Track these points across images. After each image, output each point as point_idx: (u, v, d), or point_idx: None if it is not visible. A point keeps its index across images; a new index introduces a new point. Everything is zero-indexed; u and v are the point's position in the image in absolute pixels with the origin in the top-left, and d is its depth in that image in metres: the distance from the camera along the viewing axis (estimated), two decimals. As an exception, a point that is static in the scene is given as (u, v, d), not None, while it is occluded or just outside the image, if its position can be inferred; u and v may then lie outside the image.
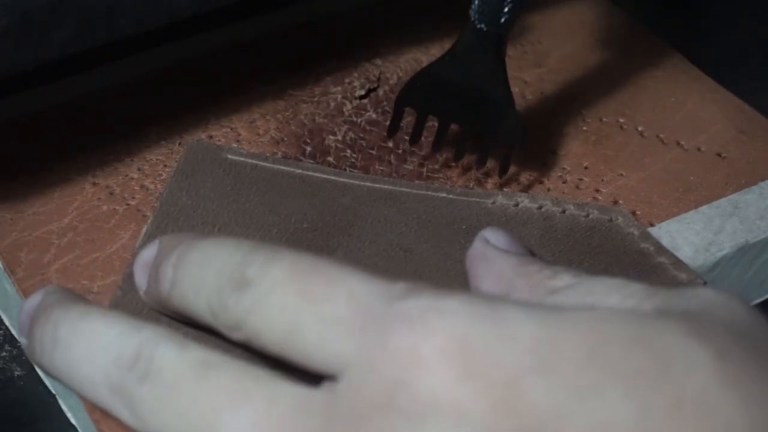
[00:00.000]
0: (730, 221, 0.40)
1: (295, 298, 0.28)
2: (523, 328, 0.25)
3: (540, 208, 0.40)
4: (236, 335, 0.29)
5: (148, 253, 0.33)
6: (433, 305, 0.26)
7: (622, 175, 0.42)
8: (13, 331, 0.40)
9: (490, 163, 0.41)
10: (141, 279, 0.34)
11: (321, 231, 0.38)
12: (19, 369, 0.39)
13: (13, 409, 0.38)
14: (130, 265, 0.36)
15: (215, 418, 0.27)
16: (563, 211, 0.39)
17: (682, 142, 0.44)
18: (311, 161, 0.42)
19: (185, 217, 0.38)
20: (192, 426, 0.27)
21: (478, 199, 0.40)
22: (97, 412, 0.33)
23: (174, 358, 0.28)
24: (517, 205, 0.40)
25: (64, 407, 0.37)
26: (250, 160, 0.41)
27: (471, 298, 0.26)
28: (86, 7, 0.33)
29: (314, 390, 0.27)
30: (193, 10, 0.36)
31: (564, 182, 0.42)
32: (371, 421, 0.26)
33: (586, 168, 0.42)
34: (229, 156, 0.41)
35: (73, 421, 0.37)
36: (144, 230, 0.38)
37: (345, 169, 0.41)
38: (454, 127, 0.40)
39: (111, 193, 0.40)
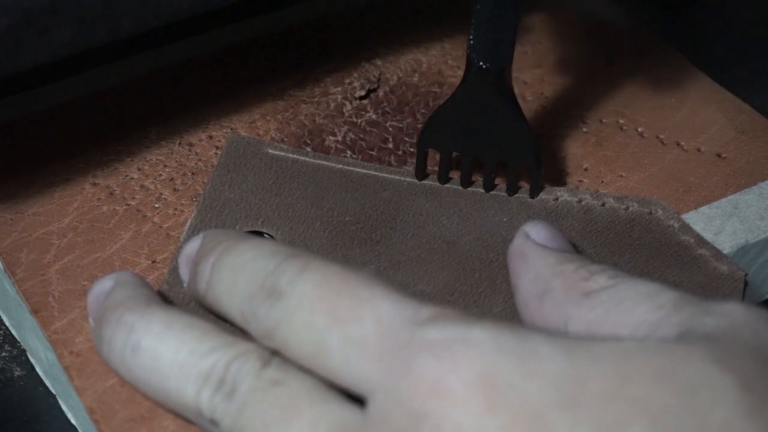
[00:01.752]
0: (730, 221, 0.40)
1: (323, 317, 0.28)
2: (548, 362, 0.26)
3: (580, 201, 0.40)
4: (267, 343, 0.30)
5: (191, 247, 0.34)
6: (460, 335, 0.26)
7: (622, 176, 0.42)
8: (13, 332, 0.40)
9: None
10: (184, 272, 0.34)
11: (364, 224, 0.39)
12: (19, 369, 0.39)
13: (13, 409, 0.38)
14: (176, 258, 0.36)
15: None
16: (603, 204, 0.40)
17: (682, 143, 0.44)
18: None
19: (229, 211, 0.39)
20: None
21: (518, 195, 0.40)
22: (98, 412, 0.33)
23: (254, 376, 0.29)
24: (557, 199, 0.40)
25: (64, 407, 0.37)
26: (290, 155, 0.41)
27: (497, 328, 0.26)
28: (86, 7, 0.33)
29: (354, 413, 0.28)
30: (193, 10, 0.36)
31: (564, 184, 0.42)
32: None
33: (585, 169, 0.42)
34: (270, 150, 0.41)
35: (73, 421, 0.37)
36: (188, 223, 0.38)
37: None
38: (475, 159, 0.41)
39: (111, 194, 0.40)
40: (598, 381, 0.25)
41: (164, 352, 0.31)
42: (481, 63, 0.38)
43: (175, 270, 0.36)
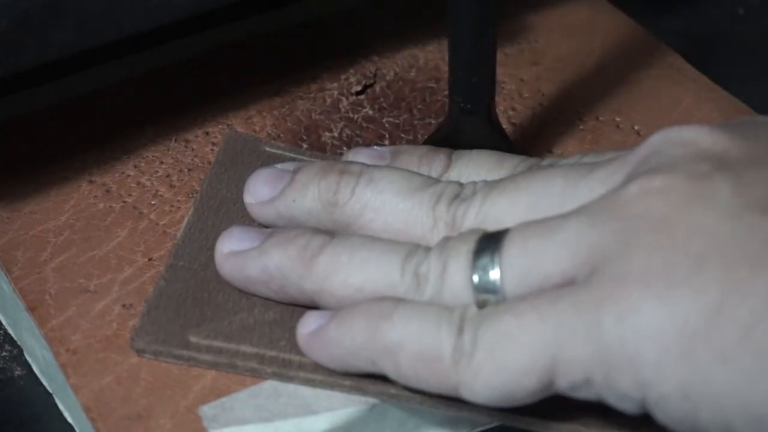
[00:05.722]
0: (727, 222, 0.40)
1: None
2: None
3: None
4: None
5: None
6: None
7: (618, 174, 0.42)
8: (10, 331, 0.40)
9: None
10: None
11: None
12: (19, 369, 0.39)
13: (13, 409, 0.37)
14: (171, 255, 0.37)
15: None
16: None
17: (678, 142, 0.44)
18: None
19: (226, 209, 0.38)
20: None
21: None
22: (94, 410, 0.33)
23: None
24: None
25: (61, 406, 0.37)
26: (287, 153, 0.41)
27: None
28: (86, 7, 0.33)
29: None
30: (193, 10, 0.36)
31: (561, 181, 0.42)
32: None
33: (582, 167, 0.42)
34: (267, 148, 0.41)
35: (69, 420, 0.37)
36: (185, 221, 0.38)
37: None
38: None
39: (107, 191, 0.40)
40: None
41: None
42: (461, 104, 0.38)
43: (171, 267, 0.36)
